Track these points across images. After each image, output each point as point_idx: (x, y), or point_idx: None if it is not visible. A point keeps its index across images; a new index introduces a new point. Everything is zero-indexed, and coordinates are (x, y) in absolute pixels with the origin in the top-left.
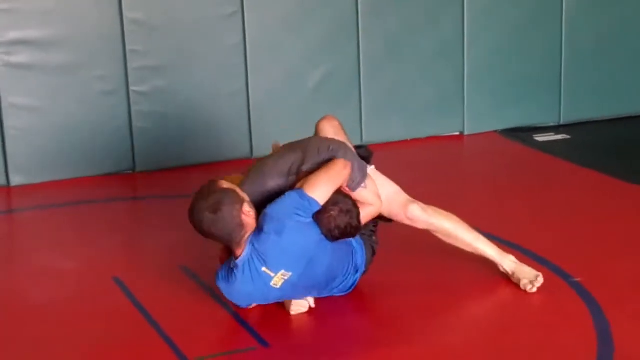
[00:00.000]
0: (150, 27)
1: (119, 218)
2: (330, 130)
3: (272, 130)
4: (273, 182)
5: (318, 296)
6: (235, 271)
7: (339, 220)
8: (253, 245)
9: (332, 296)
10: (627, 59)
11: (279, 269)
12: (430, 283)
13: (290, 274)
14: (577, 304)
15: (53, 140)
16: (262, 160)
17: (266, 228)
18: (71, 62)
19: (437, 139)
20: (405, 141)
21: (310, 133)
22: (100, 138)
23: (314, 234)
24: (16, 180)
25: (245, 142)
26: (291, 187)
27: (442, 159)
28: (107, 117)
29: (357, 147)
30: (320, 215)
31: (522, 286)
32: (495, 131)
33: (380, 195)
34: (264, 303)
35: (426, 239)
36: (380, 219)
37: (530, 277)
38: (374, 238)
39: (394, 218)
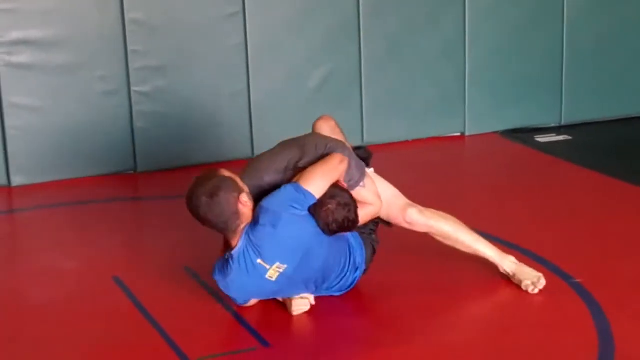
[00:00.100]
0: (152, 27)
1: (119, 218)
2: (327, 130)
3: (273, 131)
4: (270, 178)
5: (316, 293)
6: (230, 262)
7: (337, 214)
8: (248, 236)
9: (332, 296)
10: (629, 60)
11: (274, 261)
12: (430, 283)
13: (285, 266)
14: (578, 304)
15: (54, 140)
16: (258, 157)
17: (262, 220)
18: (72, 62)
19: (438, 139)
20: (406, 142)
21: None
22: (101, 138)
23: (310, 227)
24: (17, 180)
25: (246, 143)
26: (288, 182)
27: (443, 159)
28: (108, 117)
29: (356, 148)
30: (317, 209)
31: (523, 287)
32: (497, 132)
33: (380, 195)
34: (261, 298)
35: (426, 239)
36: (379, 221)
37: (531, 278)
38: (373, 236)
39: (393, 221)
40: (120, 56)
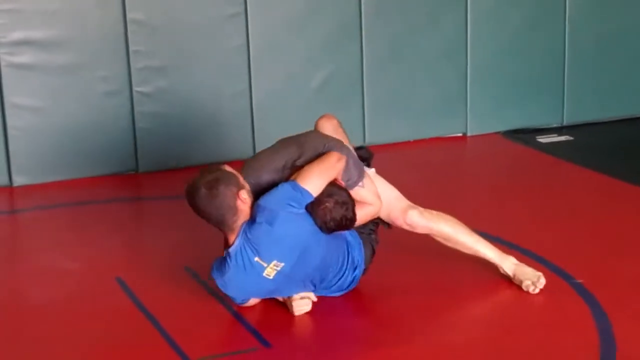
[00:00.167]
0: (153, 27)
1: (121, 218)
2: (329, 129)
3: (275, 131)
4: (268, 177)
5: (315, 293)
6: (228, 260)
7: (334, 212)
8: (246, 234)
9: (332, 296)
10: (630, 60)
11: (271, 259)
12: (430, 283)
13: (282, 264)
14: (579, 304)
15: (56, 140)
16: (256, 155)
17: (259, 218)
18: (74, 62)
19: (439, 140)
20: (408, 142)
21: None
22: (103, 138)
23: (307, 225)
24: (19, 180)
25: (248, 143)
26: (285, 180)
27: (444, 160)
28: (109, 117)
29: (357, 148)
30: (315, 207)
31: (524, 287)
32: (498, 132)
33: (379, 195)
34: (259, 297)
35: (426, 240)
36: (379, 222)
37: (532, 278)
38: (373, 237)
39: (393, 223)
40: (122, 56)
